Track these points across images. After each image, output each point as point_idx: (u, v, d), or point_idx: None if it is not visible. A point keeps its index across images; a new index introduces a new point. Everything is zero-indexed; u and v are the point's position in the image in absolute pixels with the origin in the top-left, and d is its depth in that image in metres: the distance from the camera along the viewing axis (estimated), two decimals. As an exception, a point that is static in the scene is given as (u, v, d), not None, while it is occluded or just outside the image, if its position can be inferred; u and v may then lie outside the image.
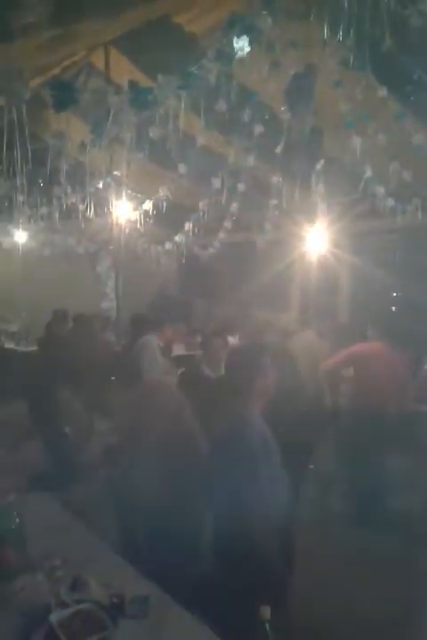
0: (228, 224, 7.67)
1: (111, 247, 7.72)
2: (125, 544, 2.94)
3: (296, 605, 2.71)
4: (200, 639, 2.10)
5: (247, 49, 3.19)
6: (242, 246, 8.96)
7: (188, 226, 7.01)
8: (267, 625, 1.71)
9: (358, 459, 4.89)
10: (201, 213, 6.63)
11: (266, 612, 1.72)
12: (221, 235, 8.02)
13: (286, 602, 2.55)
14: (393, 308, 9.61)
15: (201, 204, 6.55)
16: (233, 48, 3.14)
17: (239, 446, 2.53)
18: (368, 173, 5.98)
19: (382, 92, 5.13)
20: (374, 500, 4.71)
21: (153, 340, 5.51)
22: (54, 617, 2.05)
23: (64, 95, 2.99)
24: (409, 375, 5.29)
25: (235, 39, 3.14)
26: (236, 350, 3.50)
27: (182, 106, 3.22)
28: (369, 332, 6.67)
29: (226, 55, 3.16)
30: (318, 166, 5.79)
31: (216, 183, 6.07)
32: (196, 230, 7.10)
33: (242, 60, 3.71)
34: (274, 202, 6.74)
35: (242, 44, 3.13)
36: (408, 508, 4.92)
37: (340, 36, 4.10)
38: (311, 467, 5.31)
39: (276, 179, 6.27)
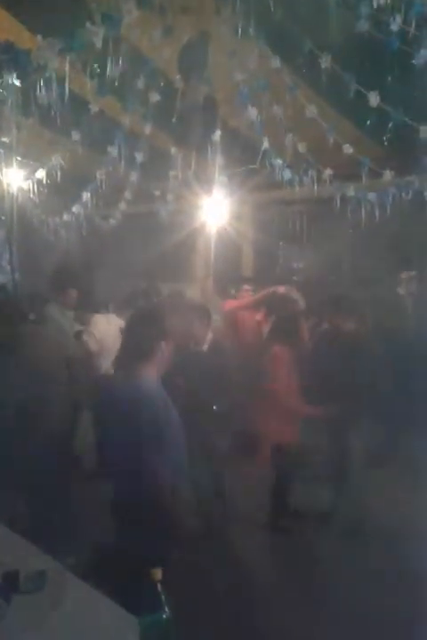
0: (128, 195, 7.54)
1: (2, 218, 7.39)
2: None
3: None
4: (98, 608, 2.11)
5: (135, 13, 3.13)
6: (144, 217, 8.87)
7: (86, 196, 6.82)
8: (158, 585, 1.75)
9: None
10: (99, 183, 6.47)
11: (157, 573, 1.75)
12: (123, 205, 7.87)
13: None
14: (294, 279, 9.87)
15: (98, 174, 6.39)
16: (120, 11, 3.06)
17: (140, 413, 2.55)
18: (265, 145, 6.08)
19: (276, 62, 5.21)
20: None
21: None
22: None
23: None
24: None
25: (122, 2, 3.07)
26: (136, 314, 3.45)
27: (67, 69, 3.10)
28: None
29: (113, 18, 3.07)
30: (214, 137, 5.81)
31: (113, 151, 5.94)
32: (95, 201, 6.92)
33: (132, 24, 3.64)
34: (173, 172, 6.70)
35: (129, 7, 3.06)
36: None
37: (233, 3, 4.12)
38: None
39: (174, 149, 6.24)
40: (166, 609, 1.69)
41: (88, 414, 5.20)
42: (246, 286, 6.85)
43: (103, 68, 4.17)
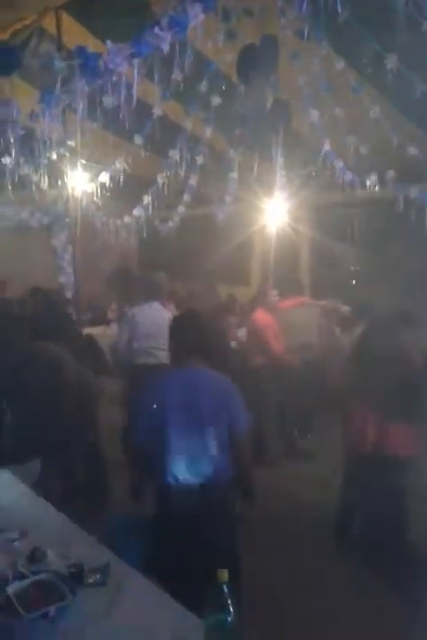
0: (187, 197, 7.62)
1: (67, 220, 7.59)
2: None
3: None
4: (160, 605, 2.13)
5: (201, 17, 3.15)
6: (202, 220, 8.93)
7: (146, 199, 6.92)
8: (225, 587, 1.74)
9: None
10: (160, 186, 6.55)
11: (223, 574, 1.75)
12: (181, 208, 7.96)
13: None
14: (353, 282, 9.72)
15: (159, 177, 6.48)
16: (186, 15, 3.09)
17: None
18: (327, 147, 6.02)
19: (340, 64, 5.15)
20: None
21: None
22: (11, 588, 2.04)
23: (8, 58, 2.91)
24: None
25: (188, 6, 3.09)
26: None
27: (135, 74, 3.16)
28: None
29: (179, 22, 3.10)
30: (279, 140, 5.79)
31: (174, 155, 6.02)
32: (155, 204, 7.02)
33: (196, 28, 3.66)
34: (233, 174, 6.72)
35: (196, 12, 3.08)
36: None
37: (296, 6, 4.08)
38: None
39: (233, 151, 6.25)
40: (231, 611, 1.68)
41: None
42: (274, 292, 6.75)
43: (168, 72, 4.22)
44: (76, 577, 2.18)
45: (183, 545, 2.85)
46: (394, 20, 4.13)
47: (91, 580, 2.21)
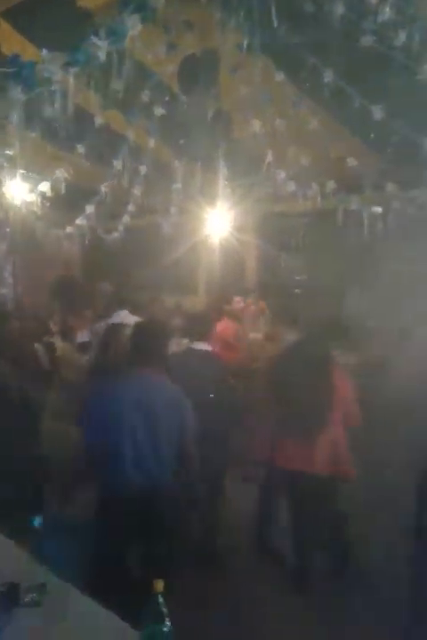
0: (132, 207, 7.56)
1: (7, 230, 7.43)
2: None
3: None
4: (98, 620, 2.10)
5: (139, 27, 3.16)
6: (147, 230, 8.90)
7: (89, 209, 6.84)
8: (160, 597, 1.73)
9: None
10: (103, 196, 6.49)
11: (159, 584, 1.74)
12: (126, 218, 7.90)
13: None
14: (297, 291, 9.87)
15: (103, 187, 6.42)
16: (125, 25, 3.09)
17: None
18: (269, 157, 6.11)
19: (280, 76, 5.24)
20: None
21: None
22: None
23: None
24: None
25: (127, 16, 3.09)
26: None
27: (71, 82, 3.13)
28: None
29: (117, 32, 3.10)
30: (221, 150, 5.85)
31: (117, 165, 5.97)
32: (98, 213, 6.95)
33: (137, 39, 3.67)
34: (177, 185, 6.72)
35: (134, 22, 3.09)
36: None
37: (235, 19, 4.15)
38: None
39: (177, 162, 6.27)
40: (167, 621, 1.68)
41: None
42: (237, 297, 6.86)
43: (108, 81, 4.20)
44: (9, 596, 2.12)
45: (130, 541, 3.05)
46: (331, 35, 4.26)
47: (27, 600, 2.15)
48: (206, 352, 4.26)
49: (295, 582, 3.99)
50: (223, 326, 6.27)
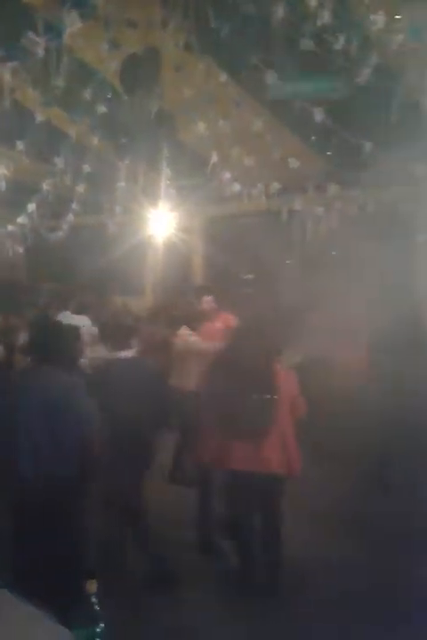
0: (76, 206, 7.44)
1: None
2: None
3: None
4: (31, 623, 2.05)
5: (79, 24, 3.11)
6: (93, 229, 8.79)
7: (31, 207, 6.69)
8: (93, 598, 1.71)
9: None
10: (45, 194, 6.36)
11: (92, 585, 1.72)
12: (70, 217, 7.76)
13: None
14: (248, 290, 9.89)
15: (44, 184, 6.28)
16: (62, 22, 3.03)
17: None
18: (214, 158, 6.12)
19: (222, 77, 5.26)
20: None
21: None
22: None
23: None
24: None
25: (65, 13, 3.04)
26: None
27: (8, 79, 3.05)
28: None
29: (56, 29, 3.04)
30: (165, 150, 5.82)
31: (59, 162, 5.86)
32: (41, 212, 6.81)
33: (77, 36, 3.61)
34: (121, 184, 6.66)
35: (73, 19, 3.03)
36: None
37: (176, 18, 4.14)
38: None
39: (121, 161, 6.20)
40: (101, 622, 1.66)
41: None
42: (207, 297, 6.81)
43: (48, 78, 4.12)
44: None
45: (35, 537, 3.04)
46: (272, 36, 4.30)
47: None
48: (134, 359, 4.18)
49: (240, 582, 3.99)
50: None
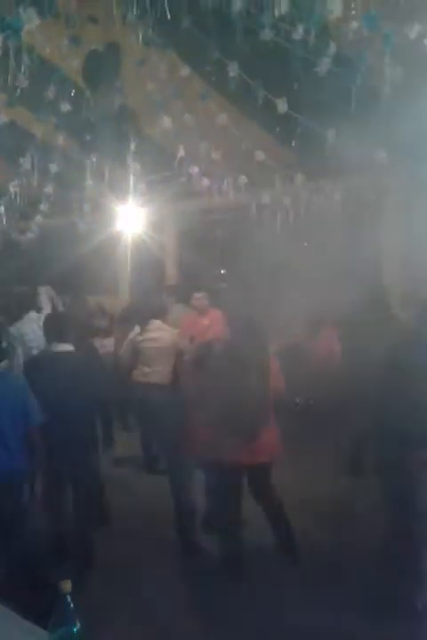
0: (45, 207, 7.39)
1: None
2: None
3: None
4: (6, 624, 2.05)
5: (37, 21, 3.09)
6: (63, 229, 8.72)
7: (-1, 209, 6.64)
8: (68, 597, 1.71)
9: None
10: (12, 196, 6.31)
11: (67, 584, 1.72)
12: (39, 218, 7.71)
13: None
14: (223, 285, 9.90)
15: (11, 186, 6.23)
16: (20, 19, 3.02)
17: None
18: (181, 153, 6.13)
19: (185, 71, 5.26)
20: None
21: None
22: None
23: None
24: None
25: (22, 10, 3.02)
26: None
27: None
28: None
29: (12, 26, 3.02)
30: (131, 146, 5.80)
31: (25, 163, 5.82)
32: (9, 214, 6.75)
33: (37, 33, 3.59)
34: (89, 182, 6.63)
35: (30, 16, 3.02)
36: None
37: (134, 12, 4.12)
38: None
39: (88, 159, 6.17)
40: (77, 621, 1.66)
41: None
42: (197, 294, 6.81)
43: (9, 77, 4.08)
44: None
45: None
46: (234, 29, 4.31)
47: None
48: (69, 352, 4.16)
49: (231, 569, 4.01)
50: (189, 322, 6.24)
